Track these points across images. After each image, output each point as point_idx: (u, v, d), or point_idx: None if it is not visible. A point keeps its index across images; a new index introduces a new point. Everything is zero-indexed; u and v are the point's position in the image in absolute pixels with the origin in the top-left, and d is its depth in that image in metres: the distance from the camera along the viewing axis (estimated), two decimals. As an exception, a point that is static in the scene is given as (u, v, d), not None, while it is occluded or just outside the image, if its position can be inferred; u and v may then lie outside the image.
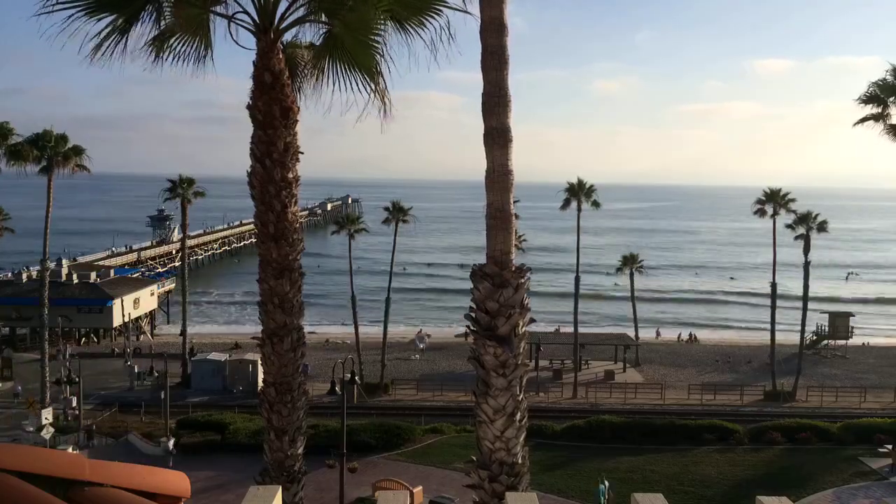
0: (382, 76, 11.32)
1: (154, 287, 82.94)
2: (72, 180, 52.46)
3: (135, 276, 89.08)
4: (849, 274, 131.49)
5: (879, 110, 33.20)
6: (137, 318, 76.93)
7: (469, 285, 8.97)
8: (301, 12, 11.11)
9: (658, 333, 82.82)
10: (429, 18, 10.55)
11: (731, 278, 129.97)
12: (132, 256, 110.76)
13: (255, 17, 10.77)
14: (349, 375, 44.44)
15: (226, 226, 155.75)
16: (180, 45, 11.04)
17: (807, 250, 56.51)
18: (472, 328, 8.94)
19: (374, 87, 11.36)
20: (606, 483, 30.29)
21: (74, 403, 45.90)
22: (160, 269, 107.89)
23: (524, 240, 63.34)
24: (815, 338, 72.47)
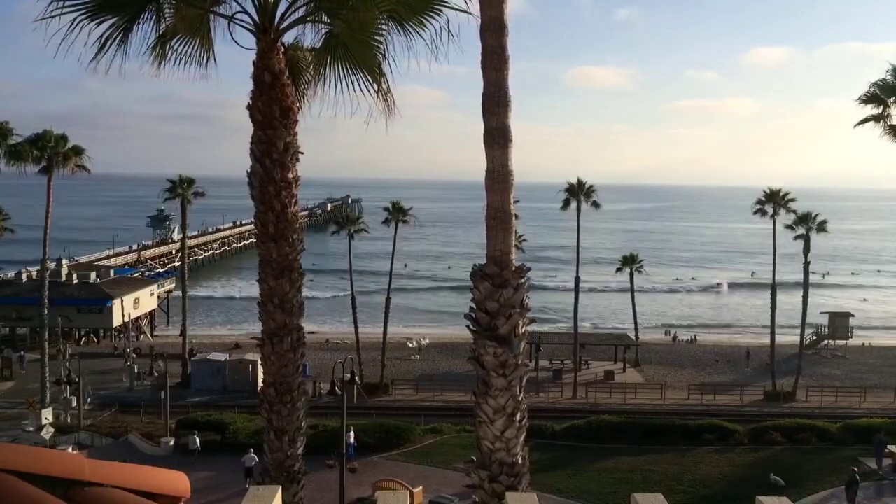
0: (385, 76, 11.32)
1: (154, 287, 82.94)
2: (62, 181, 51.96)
3: (135, 276, 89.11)
4: (825, 274, 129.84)
5: (880, 111, 33.15)
6: (137, 318, 76.93)
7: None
8: (301, 12, 11.12)
9: (668, 334, 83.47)
10: (429, 18, 10.55)
11: (725, 284, 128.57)
12: (132, 256, 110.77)
13: (255, 18, 10.78)
14: (349, 375, 44.48)
15: (212, 229, 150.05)
16: (182, 46, 11.05)
17: (807, 251, 56.55)
18: (472, 328, 8.94)
19: (377, 88, 11.35)
20: None
21: (74, 403, 45.92)
22: (160, 269, 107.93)
23: (524, 240, 63.34)
24: (815, 338, 72.53)
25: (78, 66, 9.89)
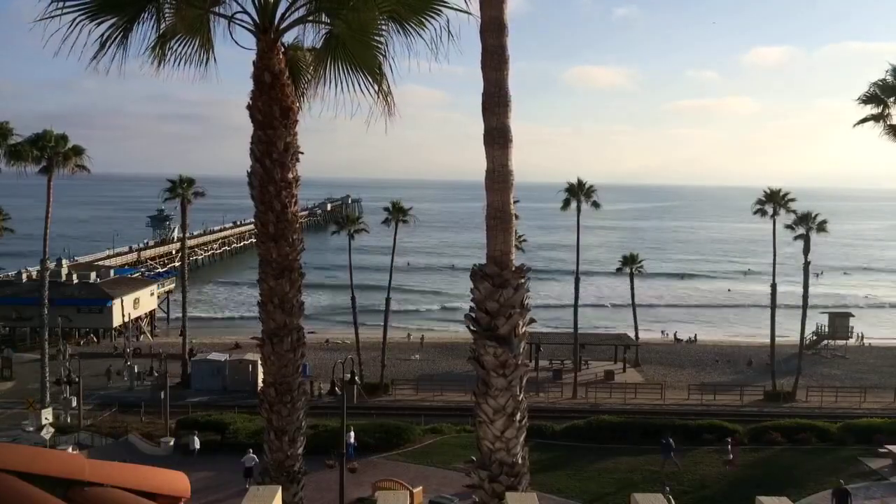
0: (385, 76, 11.32)
1: (154, 287, 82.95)
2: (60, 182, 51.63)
3: (135, 276, 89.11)
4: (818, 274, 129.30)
5: (879, 110, 33.13)
6: (137, 319, 76.93)
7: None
8: (301, 12, 11.12)
9: (665, 334, 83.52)
10: (429, 18, 10.54)
11: (728, 290, 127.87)
12: (132, 256, 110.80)
13: (255, 17, 10.78)
14: (349, 375, 44.45)
15: (204, 231, 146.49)
16: (181, 46, 11.04)
17: (806, 251, 56.60)
18: (472, 328, 8.94)
19: (377, 88, 11.35)
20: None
21: (74, 403, 45.92)
22: (160, 270, 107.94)
23: (524, 240, 63.29)
24: (815, 338, 72.51)
25: (77, 65, 9.94)
